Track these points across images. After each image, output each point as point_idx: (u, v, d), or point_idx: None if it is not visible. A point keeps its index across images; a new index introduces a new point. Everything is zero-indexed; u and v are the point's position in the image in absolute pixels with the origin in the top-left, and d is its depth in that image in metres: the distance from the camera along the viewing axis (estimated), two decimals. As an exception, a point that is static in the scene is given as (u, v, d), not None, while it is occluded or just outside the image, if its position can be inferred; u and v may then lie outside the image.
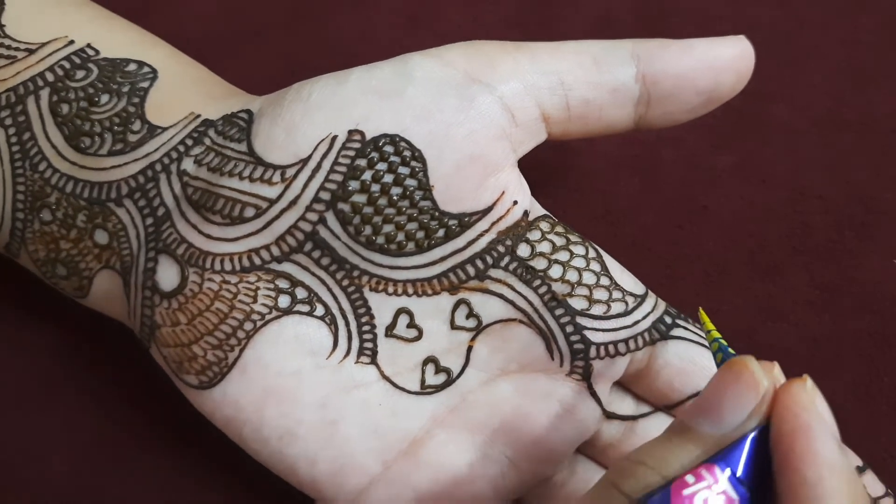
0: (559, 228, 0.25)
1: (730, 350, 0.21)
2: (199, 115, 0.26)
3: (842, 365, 0.30)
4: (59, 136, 0.26)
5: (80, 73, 0.26)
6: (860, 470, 0.25)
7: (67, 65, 0.26)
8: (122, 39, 0.28)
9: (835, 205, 0.33)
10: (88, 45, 0.27)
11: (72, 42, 0.27)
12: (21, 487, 0.28)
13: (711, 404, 0.19)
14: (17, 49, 0.27)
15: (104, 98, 0.26)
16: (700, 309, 0.24)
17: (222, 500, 0.28)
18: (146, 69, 0.27)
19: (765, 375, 0.19)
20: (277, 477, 0.28)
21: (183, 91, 0.27)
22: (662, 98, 0.25)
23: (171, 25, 0.34)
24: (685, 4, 0.38)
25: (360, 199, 0.24)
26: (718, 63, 0.25)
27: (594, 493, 0.20)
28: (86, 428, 0.29)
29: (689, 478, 0.18)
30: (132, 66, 0.27)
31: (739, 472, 0.18)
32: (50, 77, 0.26)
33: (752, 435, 0.18)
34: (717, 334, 0.22)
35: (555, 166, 0.34)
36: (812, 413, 0.18)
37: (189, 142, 0.25)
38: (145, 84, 0.26)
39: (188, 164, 0.25)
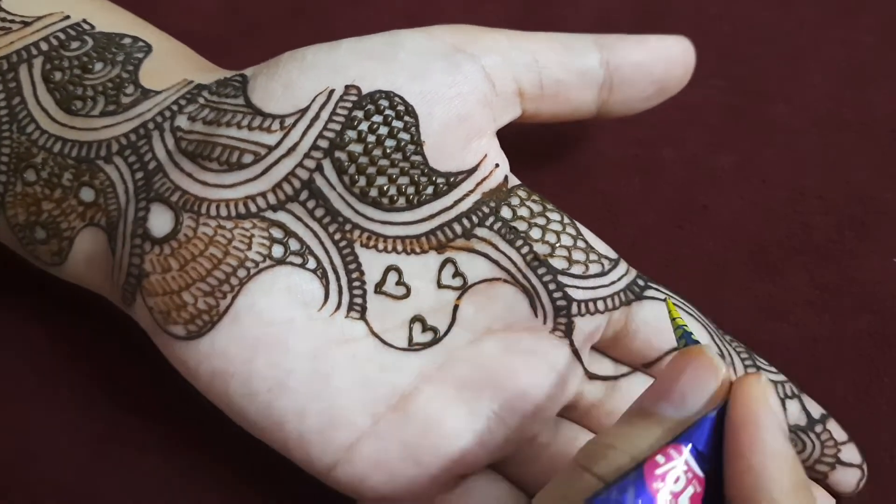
0: (535, 197, 0.27)
1: (693, 337, 0.22)
2: (192, 81, 0.26)
3: (842, 365, 0.30)
4: (50, 101, 0.26)
5: (74, 44, 0.27)
6: (824, 418, 0.27)
7: (63, 36, 0.27)
8: (116, 18, 0.28)
9: (835, 205, 0.33)
10: (84, 21, 0.27)
11: (67, 17, 0.27)
12: (21, 487, 0.28)
13: (672, 389, 0.20)
14: (11, 21, 0.27)
15: (98, 66, 0.26)
16: (667, 300, 0.26)
17: (222, 500, 0.28)
18: (141, 43, 0.27)
19: (722, 363, 0.20)
20: (279, 477, 0.28)
21: (176, 63, 0.27)
22: (622, 84, 0.28)
23: (170, 22, 0.34)
24: (684, 5, 0.38)
25: (356, 148, 0.25)
26: (669, 55, 0.28)
27: (565, 475, 0.20)
28: (85, 428, 0.29)
29: (660, 458, 0.19)
30: (127, 40, 0.27)
31: (705, 452, 0.19)
32: (44, 46, 0.26)
33: (712, 416, 0.20)
34: (682, 322, 0.23)
35: (555, 166, 0.34)
36: (762, 405, 0.19)
37: (183, 102, 0.26)
38: (140, 55, 0.27)
39: (182, 121, 0.25)
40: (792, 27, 0.37)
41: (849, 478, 0.27)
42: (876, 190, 0.33)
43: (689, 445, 0.19)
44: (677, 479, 0.19)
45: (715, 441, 0.19)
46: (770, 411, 0.19)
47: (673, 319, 0.24)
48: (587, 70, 0.27)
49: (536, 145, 0.34)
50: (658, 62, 0.28)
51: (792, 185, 0.33)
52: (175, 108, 0.26)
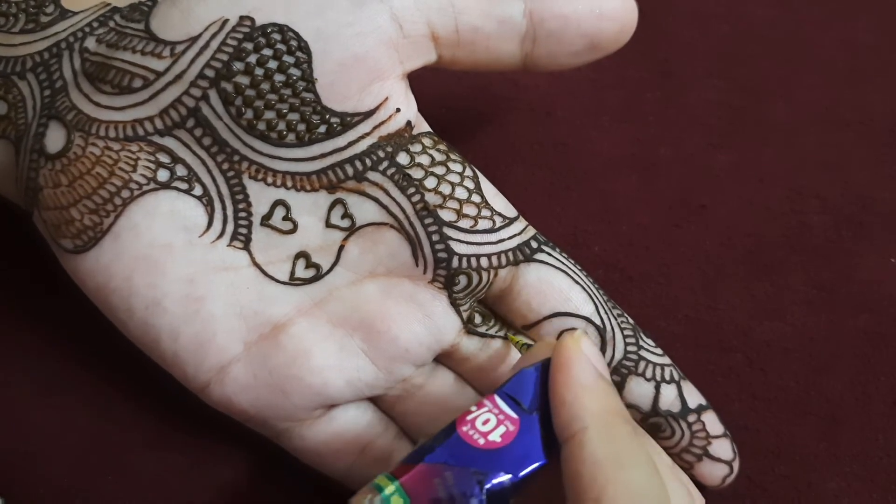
0: (441, 146, 0.27)
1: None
2: (109, 4, 0.27)
3: (839, 364, 0.30)
4: None
5: None
6: (701, 409, 0.27)
7: None
8: None
9: (833, 204, 0.33)
10: None
11: None
12: (20, 487, 0.28)
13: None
14: None
15: None
16: (508, 335, 0.27)
17: (222, 499, 0.28)
18: None
19: (553, 341, 0.23)
20: (279, 475, 0.28)
21: None
22: (548, 36, 0.27)
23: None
24: (684, 4, 0.38)
25: (243, 80, 0.25)
26: (602, 10, 0.27)
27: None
28: (85, 428, 0.29)
29: (472, 408, 0.22)
30: None
31: (520, 399, 0.22)
32: None
33: (529, 370, 0.22)
34: (522, 342, 0.26)
35: (552, 165, 0.34)
36: (574, 350, 0.22)
37: (95, 24, 0.26)
38: None
39: (90, 43, 0.26)
40: (791, 27, 0.37)
41: (715, 472, 0.27)
42: (874, 190, 0.33)
43: (499, 394, 0.22)
44: (486, 422, 0.21)
45: (543, 390, 0.22)
46: (581, 354, 0.22)
47: (514, 343, 0.26)
48: (508, 19, 0.26)
49: (534, 144, 0.34)
50: (588, 16, 0.27)
51: (790, 184, 0.33)
52: (87, 29, 0.26)
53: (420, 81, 0.28)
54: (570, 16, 0.27)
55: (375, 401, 0.27)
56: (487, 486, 0.21)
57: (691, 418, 0.26)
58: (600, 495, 0.20)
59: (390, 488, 0.21)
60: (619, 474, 0.20)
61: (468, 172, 0.27)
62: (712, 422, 0.27)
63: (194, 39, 0.25)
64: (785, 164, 0.34)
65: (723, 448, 0.27)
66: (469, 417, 0.22)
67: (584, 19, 0.27)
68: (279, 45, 0.25)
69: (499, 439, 0.21)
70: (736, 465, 0.27)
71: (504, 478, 0.21)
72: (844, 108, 0.35)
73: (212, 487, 0.28)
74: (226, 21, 0.25)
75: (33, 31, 0.26)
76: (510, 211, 0.27)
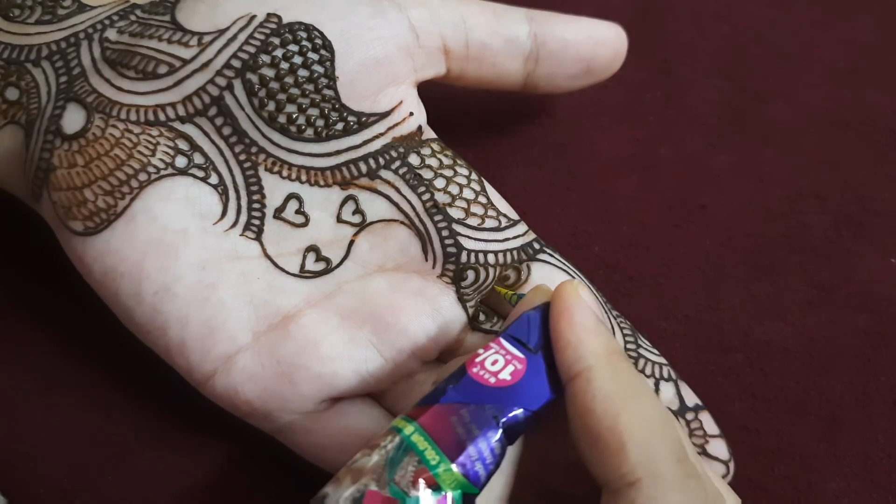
0: (448, 152, 0.28)
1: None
2: (128, 1, 0.27)
3: (839, 364, 0.30)
4: None
5: None
6: (699, 408, 0.27)
7: None
8: None
9: (833, 204, 0.33)
10: None
11: None
12: (20, 487, 0.28)
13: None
14: None
15: None
16: (495, 286, 0.27)
17: (222, 499, 0.28)
18: None
19: (548, 287, 0.24)
20: (279, 475, 0.28)
21: None
22: (549, 58, 0.29)
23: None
24: (683, 5, 0.38)
25: (268, 72, 0.25)
26: (598, 37, 0.29)
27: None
28: (85, 428, 0.29)
29: (480, 350, 0.23)
30: None
31: (525, 340, 0.23)
32: None
33: (530, 313, 0.23)
34: (510, 293, 0.26)
35: (553, 165, 0.34)
36: (574, 297, 0.23)
37: (115, 17, 0.27)
38: None
39: (111, 33, 0.26)
40: (791, 27, 0.37)
41: (713, 469, 0.27)
42: (873, 189, 0.33)
43: (504, 336, 0.23)
44: (495, 362, 0.22)
45: (545, 332, 0.23)
46: (580, 300, 0.23)
47: (504, 295, 0.26)
48: (514, 38, 0.28)
49: (534, 144, 0.34)
50: (586, 42, 0.29)
51: (790, 184, 0.33)
52: (107, 21, 0.27)
53: (422, 83, 0.28)
54: (569, 40, 0.29)
55: (378, 399, 0.27)
56: (503, 419, 0.22)
57: (689, 416, 0.27)
58: (614, 424, 0.21)
59: (409, 429, 0.21)
60: (629, 404, 0.21)
61: (474, 176, 0.28)
62: (709, 422, 0.27)
63: (222, 31, 0.26)
64: (785, 164, 0.34)
65: (719, 448, 0.27)
66: (478, 359, 0.22)
67: (582, 44, 0.29)
68: (305, 43, 0.26)
69: (509, 377, 0.22)
70: (732, 466, 0.27)
71: (517, 412, 0.22)
72: (844, 108, 0.35)
73: (212, 487, 0.28)
74: (253, 17, 0.26)
75: (50, 23, 0.27)
76: (513, 214, 0.28)
